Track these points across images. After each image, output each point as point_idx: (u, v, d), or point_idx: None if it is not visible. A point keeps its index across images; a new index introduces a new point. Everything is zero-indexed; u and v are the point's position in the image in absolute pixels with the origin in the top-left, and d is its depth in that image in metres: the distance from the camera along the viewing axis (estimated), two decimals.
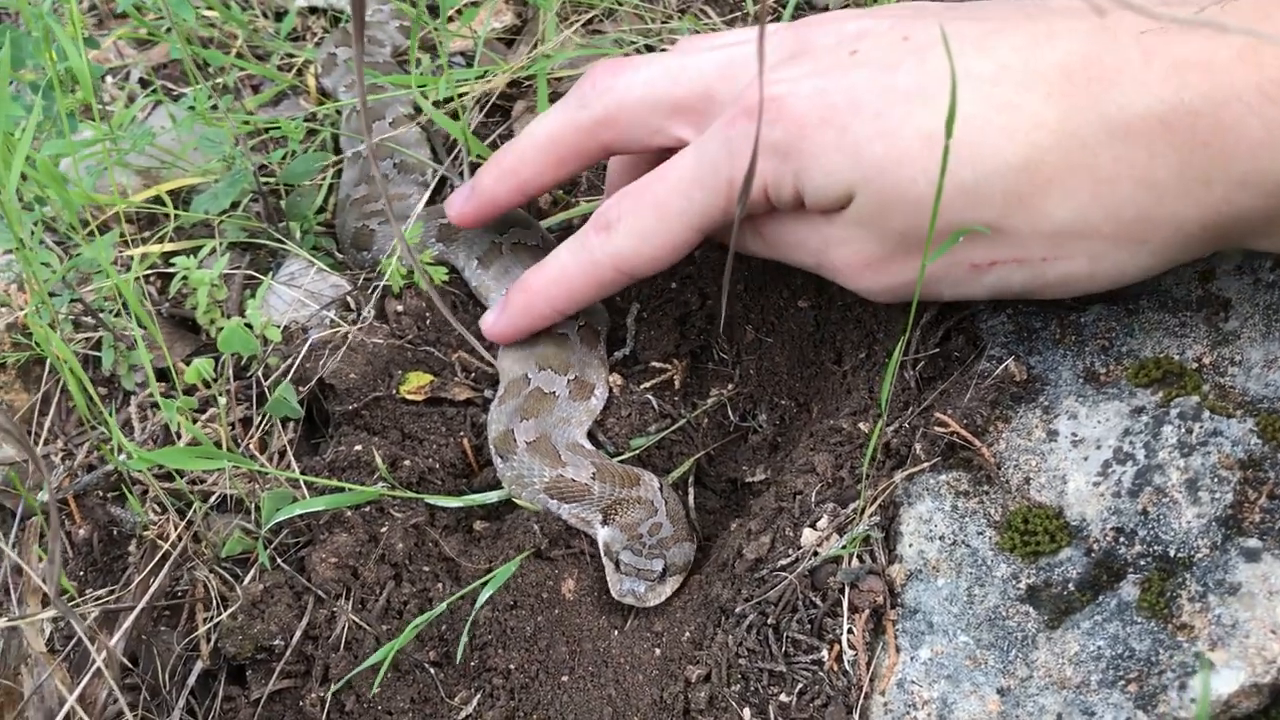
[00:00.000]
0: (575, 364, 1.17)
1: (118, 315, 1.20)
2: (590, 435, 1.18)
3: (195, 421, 1.12)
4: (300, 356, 1.17)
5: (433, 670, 1.02)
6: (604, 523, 1.08)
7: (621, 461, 1.14)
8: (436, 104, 1.45)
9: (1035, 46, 0.83)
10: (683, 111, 1.00)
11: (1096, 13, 0.82)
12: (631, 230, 1.00)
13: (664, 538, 1.05)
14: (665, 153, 1.02)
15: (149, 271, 1.27)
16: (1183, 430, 0.90)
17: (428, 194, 1.35)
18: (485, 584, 1.01)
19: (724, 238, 1.04)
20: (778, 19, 1.39)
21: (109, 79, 1.63)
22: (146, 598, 1.01)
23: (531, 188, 1.11)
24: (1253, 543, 0.84)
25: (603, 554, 1.07)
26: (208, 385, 1.11)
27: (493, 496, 1.13)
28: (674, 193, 0.98)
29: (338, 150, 1.45)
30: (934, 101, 0.83)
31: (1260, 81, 0.75)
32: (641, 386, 1.20)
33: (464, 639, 1.00)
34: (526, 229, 1.27)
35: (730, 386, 1.20)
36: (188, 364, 1.11)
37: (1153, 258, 0.86)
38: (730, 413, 1.20)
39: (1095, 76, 0.80)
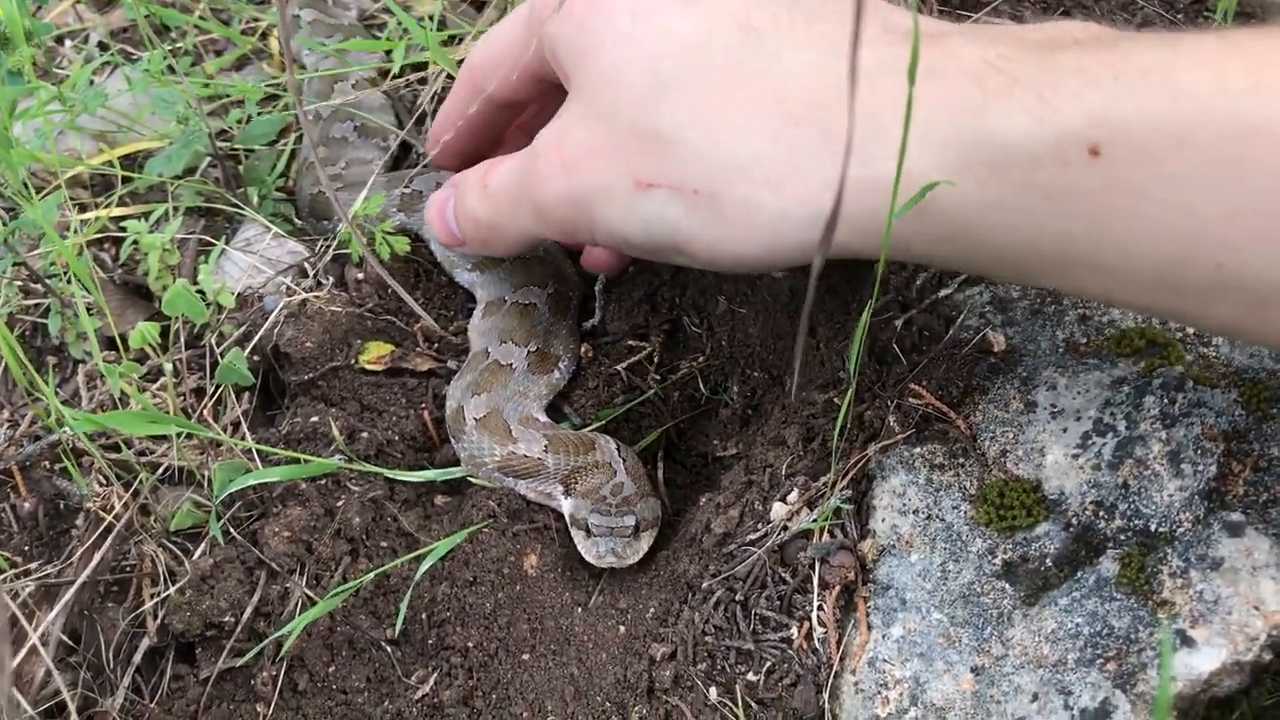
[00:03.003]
0: (540, 334, 1.13)
1: (68, 282, 1.16)
2: (555, 408, 1.14)
3: (144, 391, 1.08)
4: (264, 325, 1.13)
5: (389, 649, 0.98)
6: (566, 494, 1.05)
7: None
8: (404, 70, 1.41)
9: None
10: None
11: None
12: None
13: (628, 496, 1.02)
14: None
15: (100, 236, 1.22)
16: (1165, 401, 0.87)
17: (387, 159, 1.30)
18: (425, 555, 0.97)
19: None
20: None
21: (67, 43, 1.58)
22: (88, 571, 0.97)
23: (494, 98, 1.03)
24: (1236, 516, 0.81)
25: (570, 525, 1.04)
26: (158, 353, 1.07)
27: (456, 472, 1.09)
28: None
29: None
30: None
31: None
32: (618, 366, 1.16)
33: (403, 609, 0.97)
34: None
35: (701, 358, 1.16)
36: None
37: (803, 226, 0.76)
38: (701, 385, 1.16)
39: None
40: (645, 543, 1.01)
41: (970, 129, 0.68)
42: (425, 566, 0.97)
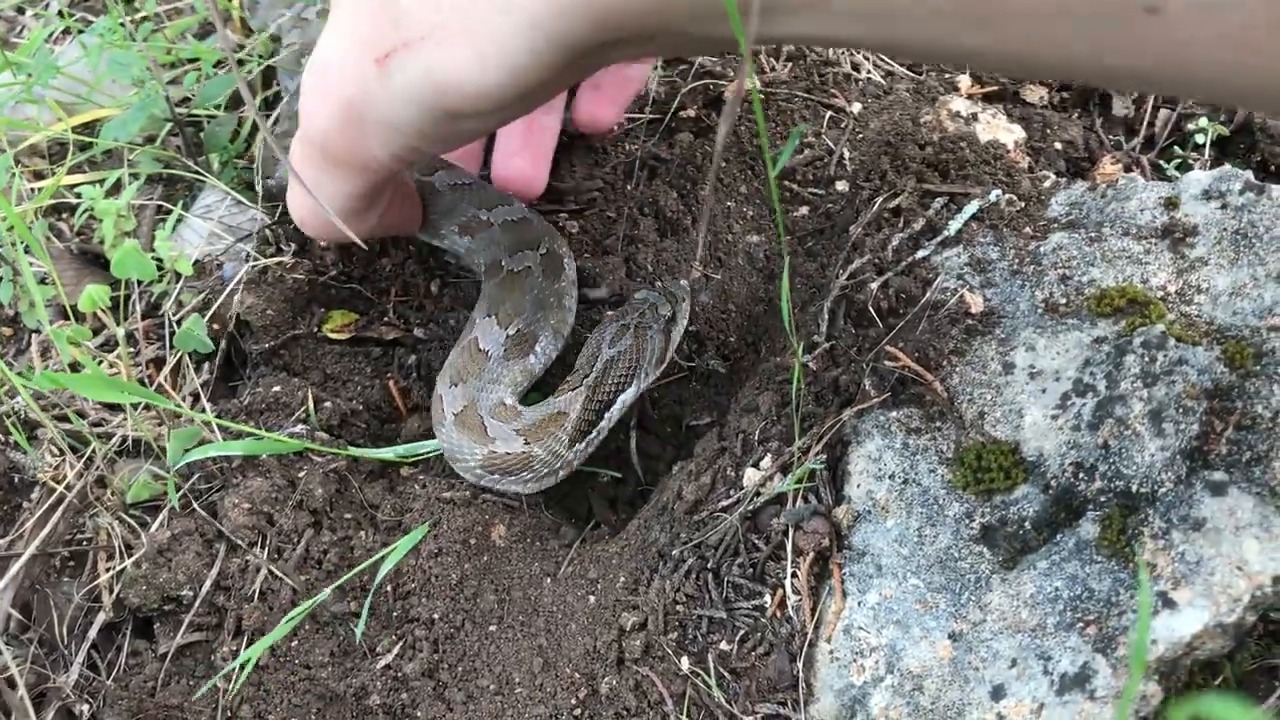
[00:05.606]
0: (528, 307, 1.08)
1: (26, 251, 1.12)
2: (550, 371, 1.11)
3: (100, 361, 1.05)
4: (224, 292, 1.10)
5: (353, 622, 0.96)
6: (626, 388, 1.05)
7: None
8: None
9: None
10: None
11: None
12: None
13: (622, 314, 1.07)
14: None
15: (57, 203, 1.19)
16: (1146, 359, 0.84)
17: None
18: (391, 553, 0.93)
19: None
20: None
21: (28, 12, 1.55)
22: (37, 542, 0.94)
23: None
24: (1219, 476, 0.78)
25: (670, 348, 1.07)
26: (112, 321, 1.03)
27: (427, 446, 1.05)
28: None
29: (267, 85, 1.36)
30: None
31: None
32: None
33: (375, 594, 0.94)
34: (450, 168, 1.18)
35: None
36: None
37: (535, 33, 0.67)
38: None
39: None
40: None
41: None
42: (387, 567, 0.93)
